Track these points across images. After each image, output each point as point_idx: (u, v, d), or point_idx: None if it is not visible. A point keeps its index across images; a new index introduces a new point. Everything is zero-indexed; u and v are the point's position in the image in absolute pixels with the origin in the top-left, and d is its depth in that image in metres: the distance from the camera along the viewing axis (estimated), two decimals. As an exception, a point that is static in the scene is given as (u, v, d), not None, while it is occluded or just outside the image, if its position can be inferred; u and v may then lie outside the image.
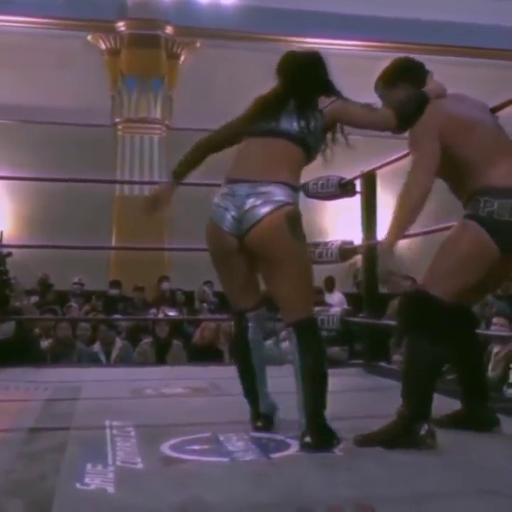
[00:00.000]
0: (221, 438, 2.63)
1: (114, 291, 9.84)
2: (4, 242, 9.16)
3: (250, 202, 2.57)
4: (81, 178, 7.54)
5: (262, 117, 2.72)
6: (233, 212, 2.61)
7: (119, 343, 6.83)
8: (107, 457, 2.35)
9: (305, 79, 2.75)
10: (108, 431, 2.76)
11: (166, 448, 2.48)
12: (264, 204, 2.56)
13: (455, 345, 2.76)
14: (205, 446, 2.53)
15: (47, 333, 6.73)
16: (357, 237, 10.48)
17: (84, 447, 2.49)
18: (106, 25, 11.80)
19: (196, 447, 2.52)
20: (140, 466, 2.28)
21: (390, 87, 2.80)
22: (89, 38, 11.98)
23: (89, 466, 2.22)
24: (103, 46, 12.06)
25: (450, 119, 2.63)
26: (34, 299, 9.23)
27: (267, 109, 2.73)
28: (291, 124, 2.67)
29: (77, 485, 2.05)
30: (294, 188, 2.64)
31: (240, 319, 2.80)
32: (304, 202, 9.75)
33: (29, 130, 11.65)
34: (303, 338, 2.55)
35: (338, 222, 11.61)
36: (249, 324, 2.77)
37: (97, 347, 6.79)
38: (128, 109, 11.94)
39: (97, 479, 2.11)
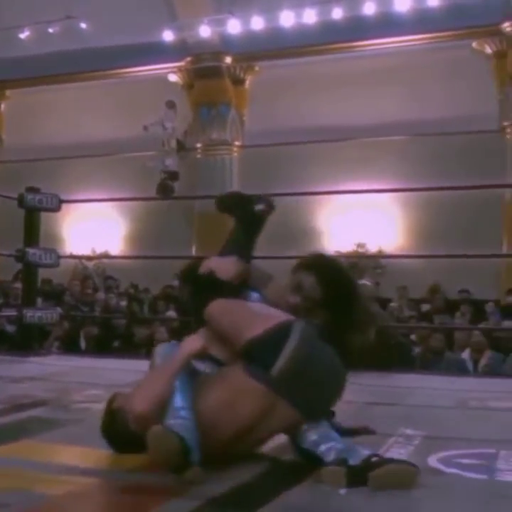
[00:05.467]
0: (501, 455, 2.58)
1: (510, 299, 9.66)
2: (397, 253, 10.90)
3: None
4: (469, 186, 7.90)
5: None
6: None
7: (489, 352, 6.69)
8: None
9: None
10: (394, 438, 2.82)
11: (433, 459, 2.50)
12: None
13: None
14: (475, 461, 2.50)
15: (422, 341, 6.84)
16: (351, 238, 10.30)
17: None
18: (491, 29, 11.75)
19: (465, 461, 2.50)
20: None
21: None
22: (474, 44, 12.07)
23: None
24: (489, 51, 12.08)
25: None
26: (425, 307, 9.63)
27: None
28: None
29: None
30: None
31: None
32: (297, 204, 9.86)
33: (416, 143, 12.17)
34: None
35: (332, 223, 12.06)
36: None
37: (466, 354, 6.70)
38: (517, 111, 11.81)
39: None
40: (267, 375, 2.28)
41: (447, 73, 11.81)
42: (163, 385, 2.28)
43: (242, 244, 2.90)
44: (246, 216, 2.93)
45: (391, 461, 2.20)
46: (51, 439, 2.82)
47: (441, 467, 2.42)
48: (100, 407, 2.65)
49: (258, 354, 2.32)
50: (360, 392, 3.98)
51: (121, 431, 2.38)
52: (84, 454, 2.52)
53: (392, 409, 3.54)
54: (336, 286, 2.55)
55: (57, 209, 5.77)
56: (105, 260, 12.47)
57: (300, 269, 2.61)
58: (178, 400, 2.25)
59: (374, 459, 2.18)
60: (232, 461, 2.34)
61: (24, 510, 1.93)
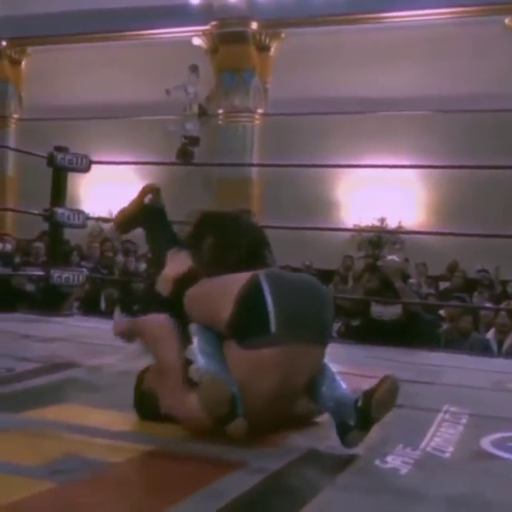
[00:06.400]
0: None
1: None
2: (418, 229, 11.20)
3: None
4: (492, 165, 7.81)
5: None
6: None
7: (512, 333, 6.62)
8: (422, 441, 2.41)
9: None
10: (441, 415, 2.79)
11: (486, 441, 2.47)
12: None
13: None
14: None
15: (451, 319, 6.75)
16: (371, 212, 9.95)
17: (407, 428, 2.52)
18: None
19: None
20: (448, 455, 2.32)
21: None
22: (506, 21, 11.88)
23: (399, 447, 2.32)
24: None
25: None
26: (443, 284, 9.67)
27: None
28: None
29: (376, 462, 2.15)
30: None
31: None
32: (316, 175, 9.81)
33: (443, 119, 11.94)
34: None
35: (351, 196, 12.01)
36: None
37: (490, 335, 6.71)
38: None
39: (397, 460, 2.19)
40: (270, 338, 2.22)
41: (476, 49, 11.60)
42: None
43: (168, 237, 3.05)
44: (149, 216, 3.21)
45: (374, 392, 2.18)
46: (92, 402, 2.78)
47: (497, 452, 2.38)
48: (132, 372, 2.67)
49: (246, 326, 2.26)
50: (393, 369, 3.95)
51: (152, 412, 2.43)
52: (131, 421, 2.48)
53: (430, 388, 3.50)
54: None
55: (86, 170, 5.70)
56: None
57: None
58: (210, 349, 2.32)
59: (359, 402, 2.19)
60: (279, 436, 2.34)
61: (85, 477, 1.89)
